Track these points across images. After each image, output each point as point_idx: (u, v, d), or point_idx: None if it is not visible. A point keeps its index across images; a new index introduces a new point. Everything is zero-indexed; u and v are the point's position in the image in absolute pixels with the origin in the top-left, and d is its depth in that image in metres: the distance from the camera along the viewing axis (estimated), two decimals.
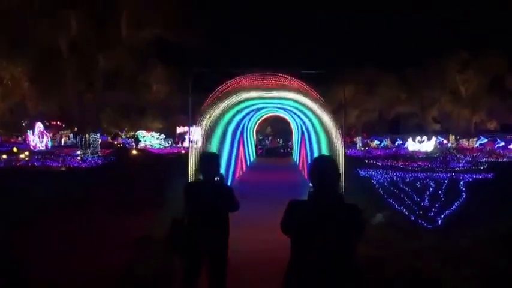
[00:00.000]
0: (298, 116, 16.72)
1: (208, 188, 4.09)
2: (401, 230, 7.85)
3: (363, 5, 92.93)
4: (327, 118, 10.82)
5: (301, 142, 21.85)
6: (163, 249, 4.04)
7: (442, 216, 8.67)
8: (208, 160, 4.25)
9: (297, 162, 24.41)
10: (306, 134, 17.64)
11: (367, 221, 7.53)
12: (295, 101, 12.33)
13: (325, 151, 11.88)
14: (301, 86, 10.25)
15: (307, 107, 12.23)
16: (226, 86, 10.08)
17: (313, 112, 12.13)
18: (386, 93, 45.03)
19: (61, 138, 49.44)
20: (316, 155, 13.96)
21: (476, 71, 43.95)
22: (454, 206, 9.66)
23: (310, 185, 2.88)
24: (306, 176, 16.98)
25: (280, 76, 10.05)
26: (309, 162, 15.70)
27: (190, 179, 8.44)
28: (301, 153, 21.13)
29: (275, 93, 11.69)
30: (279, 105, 16.44)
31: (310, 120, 14.35)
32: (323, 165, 2.86)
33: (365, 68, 43.45)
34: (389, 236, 7.29)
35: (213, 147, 11.05)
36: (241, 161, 19.31)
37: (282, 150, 43.09)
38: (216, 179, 4.18)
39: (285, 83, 10.35)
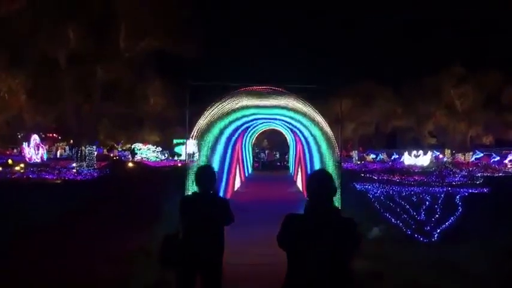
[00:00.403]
0: (296, 128, 16.73)
1: (204, 200, 4.08)
2: (398, 244, 7.85)
3: (360, 19, 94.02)
4: (324, 131, 10.85)
5: (296, 155, 21.88)
6: (157, 263, 4.02)
7: (438, 231, 8.67)
8: (204, 173, 4.25)
9: (293, 174, 24.40)
10: (303, 146, 17.66)
11: (363, 234, 7.53)
12: (291, 110, 12.34)
13: (321, 165, 11.89)
14: (298, 98, 10.30)
15: (303, 118, 12.26)
16: (224, 98, 10.11)
17: (310, 125, 12.16)
18: (382, 107, 45.31)
19: (57, 150, 49.26)
20: (312, 168, 13.97)
21: (471, 86, 44.37)
22: (450, 220, 9.67)
23: (307, 198, 2.89)
24: (301, 188, 16.97)
25: (277, 90, 10.10)
26: (306, 174, 15.70)
27: (186, 192, 8.42)
28: (297, 166, 21.13)
29: (272, 101, 11.69)
30: (275, 117, 16.44)
31: (306, 133, 14.38)
32: (320, 179, 2.87)
33: (361, 81, 43.79)
34: (386, 250, 7.27)
35: (209, 160, 11.04)
36: (238, 174, 19.28)
37: (278, 164, 43.15)
38: (211, 192, 4.19)
39: (282, 94, 10.39)
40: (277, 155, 50.46)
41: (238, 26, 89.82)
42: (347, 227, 2.73)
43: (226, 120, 12.47)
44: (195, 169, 8.60)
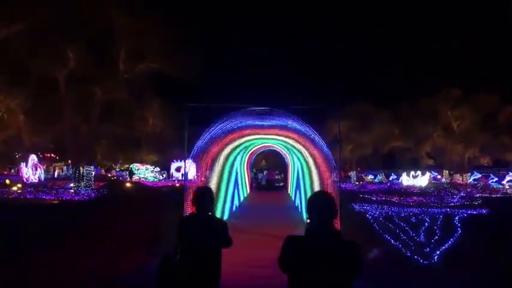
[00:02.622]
0: (294, 148, 16.76)
1: (202, 222, 4.08)
2: (398, 266, 7.79)
3: (357, 41, 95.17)
4: (322, 152, 10.87)
5: (295, 176, 21.86)
6: (154, 284, 3.99)
7: (438, 252, 8.63)
8: (202, 195, 4.25)
9: (292, 195, 24.33)
10: (301, 167, 17.65)
11: (364, 257, 7.47)
12: (289, 131, 12.37)
13: (320, 185, 11.87)
14: (296, 119, 10.36)
15: (302, 139, 12.29)
16: (223, 119, 10.16)
17: (309, 145, 12.19)
18: (379, 128, 45.49)
19: (55, 170, 49.11)
20: (311, 189, 13.94)
21: (468, 108, 44.67)
22: (449, 242, 9.63)
23: (308, 220, 2.88)
24: (300, 210, 16.89)
25: (276, 110, 10.15)
26: (305, 195, 15.64)
27: (184, 213, 8.38)
28: (296, 186, 21.09)
29: (270, 122, 11.74)
30: (273, 137, 16.49)
31: (305, 153, 14.40)
32: (320, 201, 2.87)
33: (359, 103, 44.09)
34: (385, 272, 7.22)
35: (207, 181, 11.02)
36: (236, 195, 19.22)
37: (276, 184, 42.73)
38: (209, 214, 4.19)
39: (280, 115, 10.45)
40: (277, 175, 50.04)
41: (236, 47, 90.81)
42: (349, 250, 2.72)
43: (225, 141, 12.50)
44: (193, 190, 8.60)
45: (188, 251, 3.98)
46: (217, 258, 4.11)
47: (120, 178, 42.90)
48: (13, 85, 25.78)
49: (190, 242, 4.00)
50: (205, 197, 4.21)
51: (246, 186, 23.04)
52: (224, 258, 4.15)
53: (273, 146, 20.12)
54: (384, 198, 22.02)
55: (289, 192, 27.26)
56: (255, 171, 47.18)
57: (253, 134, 14.77)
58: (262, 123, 11.90)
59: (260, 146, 22.03)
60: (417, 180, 38.59)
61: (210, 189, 4.56)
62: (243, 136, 14.19)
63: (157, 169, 43.73)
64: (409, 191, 28.92)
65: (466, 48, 69.05)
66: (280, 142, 18.70)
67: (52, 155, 48.44)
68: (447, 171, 48.60)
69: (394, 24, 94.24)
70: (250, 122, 11.64)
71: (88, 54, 25.71)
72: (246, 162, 23.14)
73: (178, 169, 42.15)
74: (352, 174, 47.87)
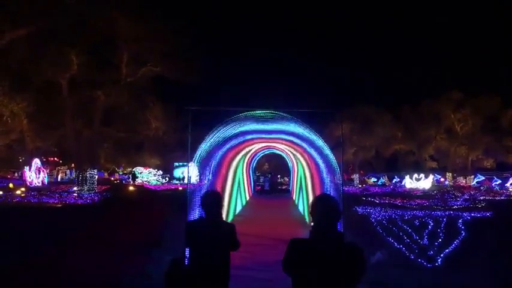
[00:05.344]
0: (297, 151, 16.76)
1: (210, 226, 4.08)
2: (401, 268, 7.77)
3: (358, 44, 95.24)
4: (325, 155, 10.86)
5: (297, 179, 21.85)
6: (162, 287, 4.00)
7: (442, 255, 8.60)
8: (210, 199, 4.25)
9: (294, 197, 24.31)
10: (304, 170, 17.64)
11: (367, 260, 7.46)
12: (292, 134, 12.38)
13: (323, 188, 11.86)
14: (299, 122, 10.37)
15: (304, 142, 12.30)
16: (226, 122, 10.17)
17: (311, 149, 12.19)
18: (382, 131, 45.47)
19: (58, 174, 49.20)
20: (315, 192, 13.92)
21: (470, 110, 44.64)
22: (453, 245, 9.60)
23: (312, 223, 2.89)
24: (301, 212, 16.89)
25: (279, 114, 10.16)
26: (308, 198, 15.64)
27: (187, 216, 8.37)
28: (298, 189, 21.08)
29: (273, 125, 11.75)
30: (276, 141, 16.50)
31: (307, 157, 14.40)
32: (325, 205, 2.88)
33: (361, 106, 44.13)
34: (388, 275, 7.20)
35: (211, 184, 11.02)
36: (239, 198, 19.23)
37: (279, 187, 42.49)
38: (217, 217, 4.19)
39: (283, 118, 10.46)
40: (279, 178, 49.81)
41: (238, 51, 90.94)
42: (352, 253, 2.73)
43: (227, 145, 12.50)
44: (196, 193, 8.60)
45: (197, 255, 4.00)
46: (226, 261, 4.12)
47: (123, 182, 42.92)
48: (17, 89, 25.92)
49: (198, 246, 4.02)
50: (213, 200, 4.22)
51: (248, 190, 23.12)
52: (235, 260, 4.16)
53: (276, 148, 20.10)
54: (387, 201, 21.98)
55: (292, 195, 27.25)
56: (258, 174, 47.02)
57: (255, 137, 14.79)
58: (265, 126, 11.92)
59: (263, 148, 22.04)
60: (420, 182, 38.49)
61: (218, 193, 4.57)
62: (245, 139, 14.20)
63: (160, 172, 43.79)
64: (412, 194, 28.84)
65: (467, 49, 68.92)
66: (282, 145, 18.71)
67: (55, 158, 48.57)
68: (450, 174, 48.50)
69: (394, 25, 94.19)
70: (252, 125, 11.65)
71: (90, 58, 25.85)
72: (248, 166, 23.16)
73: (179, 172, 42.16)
74: (355, 177, 47.78)
